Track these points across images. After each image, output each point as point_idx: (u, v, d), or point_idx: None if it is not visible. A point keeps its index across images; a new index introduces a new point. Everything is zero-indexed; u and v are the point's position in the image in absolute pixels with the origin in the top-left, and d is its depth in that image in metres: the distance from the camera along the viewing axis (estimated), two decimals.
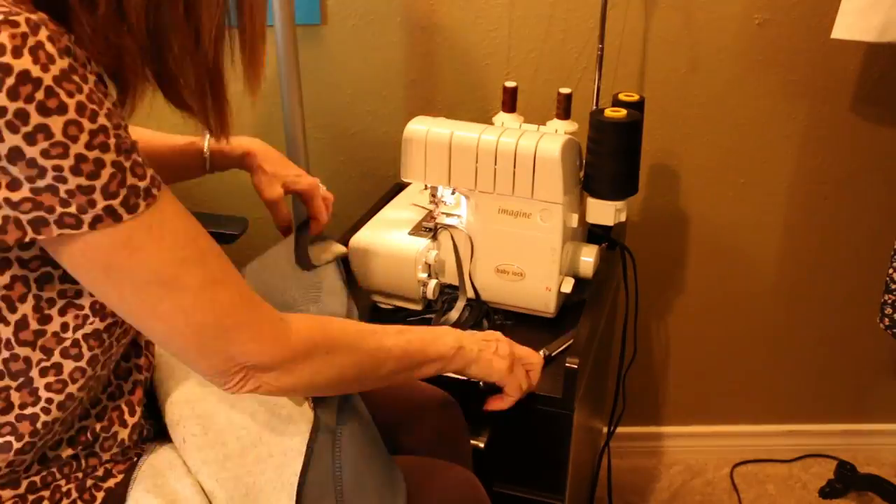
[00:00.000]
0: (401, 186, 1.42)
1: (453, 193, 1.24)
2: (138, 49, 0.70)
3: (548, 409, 1.05)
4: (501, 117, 1.28)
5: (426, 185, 1.21)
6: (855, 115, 1.52)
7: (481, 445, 1.07)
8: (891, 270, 1.34)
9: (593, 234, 1.31)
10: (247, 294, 0.75)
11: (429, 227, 1.22)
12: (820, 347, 1.75)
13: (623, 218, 1.20)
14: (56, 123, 0.61)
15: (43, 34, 0.61)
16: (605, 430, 1.67)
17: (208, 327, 0.72)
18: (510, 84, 1.26)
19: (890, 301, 1.35)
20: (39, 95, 0.60)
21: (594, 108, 1.42)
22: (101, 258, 0.67)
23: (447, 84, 1.52)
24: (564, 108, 1.25)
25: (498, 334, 1.01)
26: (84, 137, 0.63)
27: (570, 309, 1.21)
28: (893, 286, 1.34)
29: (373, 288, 1.22)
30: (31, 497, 0.77)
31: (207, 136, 1.10)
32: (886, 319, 1.36)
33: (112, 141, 0.65)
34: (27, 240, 0.65)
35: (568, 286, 1.17)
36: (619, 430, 1.82)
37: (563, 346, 1.12)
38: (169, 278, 0.69)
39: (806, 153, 1.55)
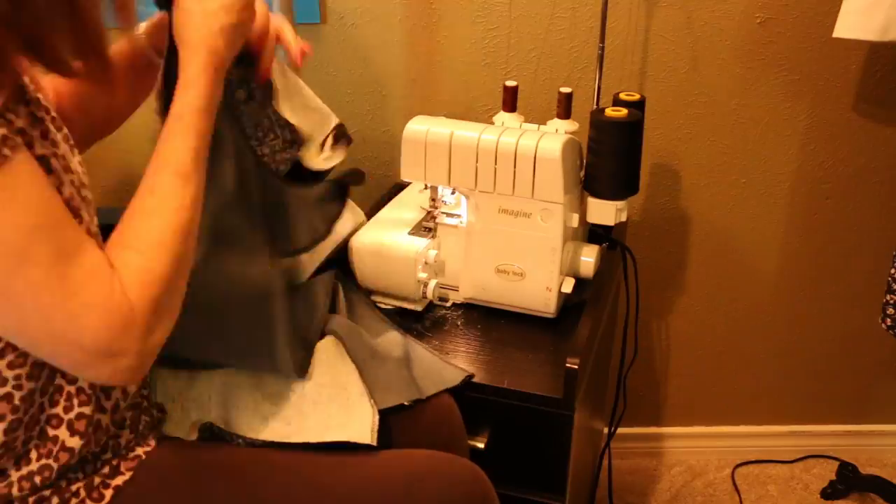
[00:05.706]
0: (401, 186, 1.41)
1: (453, 193, 1.23)
2: None
3: (548, 410, 1.05)
4: (502, 117, 1.27)
5: (426, 185, 1.21)
6: (857, 115, 1.51)
7: (481, 445, 1.07)
8: (893, 270, 1.34)
9: (594, 234, 1.31)
10: (100, 270, 0.69)
11: (429, 227, 1.21)
12: (821, 348, 1.75)
13: (624, 218, 1.19)
14: None
15: None
16: (605, 430, 1.67)
17: (56, 310, 0.66)
18: (510, 83, 1.26)
19: (892, 301, 1.34)
20: None
21: (595, 107, 1.42)
22: None
23: (447, 84, 1.52)
24: (565, 108, 1.25)
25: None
26: None
27: (570, 309, 1.21)
28: (895, 286, 1.33)
29: (373, 288, 1.22)
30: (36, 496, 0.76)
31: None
32: (888, 320, 1.36)
33: None
34: None
35: (568, 286, 1.17)
36: (620, 430, 1.81)
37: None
38: (18, 249, 0.64)
39: (807, 153, 1.55)
